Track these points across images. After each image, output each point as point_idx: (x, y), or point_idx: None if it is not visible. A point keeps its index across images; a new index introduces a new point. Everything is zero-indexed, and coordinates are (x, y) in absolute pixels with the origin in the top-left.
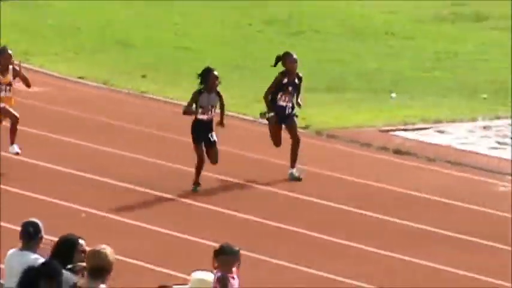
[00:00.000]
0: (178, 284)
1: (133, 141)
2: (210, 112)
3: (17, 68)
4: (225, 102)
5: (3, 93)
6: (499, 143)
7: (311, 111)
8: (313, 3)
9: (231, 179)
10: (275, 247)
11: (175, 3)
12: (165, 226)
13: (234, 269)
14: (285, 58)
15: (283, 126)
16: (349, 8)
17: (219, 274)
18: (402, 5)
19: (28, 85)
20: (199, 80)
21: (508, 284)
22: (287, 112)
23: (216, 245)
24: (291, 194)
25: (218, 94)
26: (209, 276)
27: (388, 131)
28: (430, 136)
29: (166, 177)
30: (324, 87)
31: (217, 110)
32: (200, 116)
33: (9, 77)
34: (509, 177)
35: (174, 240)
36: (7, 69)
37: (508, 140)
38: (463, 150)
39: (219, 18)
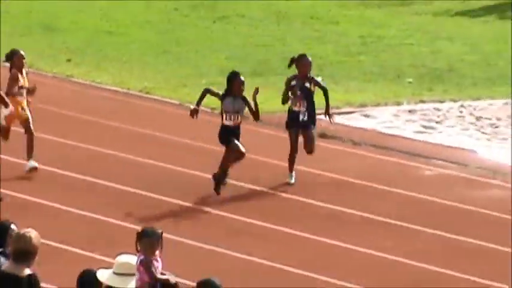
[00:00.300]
0: (103, 268)
1: (59, 125)
2: (236, 118)
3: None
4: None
5: (22, 97)
6: (424, 126)
7: None
8: None
9: (146, 160)
10: (201, 231)
11: None
12: (93, 210)
13: (157, 252)
14: (298, 60)
15: (298, 134)
16: None
17: (142, 257)
18: None
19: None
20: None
21: (433, 268)
22: (301, 118)
23: (138, 228)
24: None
25: (244, 100)
26: (133, 260)
27: None
28: (355, 120)
29: (91, 161)
30: (249, 72)
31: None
32: (226, 122)
33: (27, 79)
34: (435, 161)
35: (100, 224)
36: (22, 72)
37: (433, 124)
38: (388, 134)
39: (144, 2)
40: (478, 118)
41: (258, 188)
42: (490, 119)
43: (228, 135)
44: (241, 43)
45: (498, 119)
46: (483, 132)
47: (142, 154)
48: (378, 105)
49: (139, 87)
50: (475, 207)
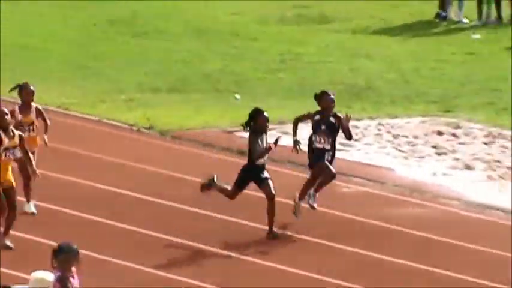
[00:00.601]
0: (19, 284)
1: None
2: (266, 155)
3: (40, 108)
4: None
5: (25, 134)
6: (342, 144)
7: (155, 112)
8: (157, 3)
9: (64, 176)
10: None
11: (19, 3)
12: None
13: (73, 269)
14: (322, 97)
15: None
16: (194, 9)
17: (58, 274)
18: (246, 6)
19: (45, 129)
20: (247, 124)
21: (350, 285)
22: (327, 158)
23: (55, 244)
24: (131, 193)
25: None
26: (49, 276)
27: (232, 131)
28: (274, 137)
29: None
30: (168, 88)
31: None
32: (258, 161)
33: (32, 116)
34: (353, 179)
35: (17, 241)
36: (29, 107)
37: (350, 142)
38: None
39: (62, 17)
40: (396, 136)
41: (166, 202)
42: (407, 136)
43: (253, 175)
44: (161, 59)
45: (415, 137)
46: (400, 150)
47: (60, 170)
48: None
49: (58, 103)
50: (393, 225)
